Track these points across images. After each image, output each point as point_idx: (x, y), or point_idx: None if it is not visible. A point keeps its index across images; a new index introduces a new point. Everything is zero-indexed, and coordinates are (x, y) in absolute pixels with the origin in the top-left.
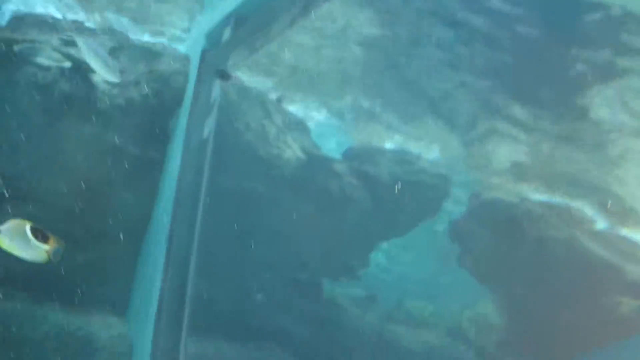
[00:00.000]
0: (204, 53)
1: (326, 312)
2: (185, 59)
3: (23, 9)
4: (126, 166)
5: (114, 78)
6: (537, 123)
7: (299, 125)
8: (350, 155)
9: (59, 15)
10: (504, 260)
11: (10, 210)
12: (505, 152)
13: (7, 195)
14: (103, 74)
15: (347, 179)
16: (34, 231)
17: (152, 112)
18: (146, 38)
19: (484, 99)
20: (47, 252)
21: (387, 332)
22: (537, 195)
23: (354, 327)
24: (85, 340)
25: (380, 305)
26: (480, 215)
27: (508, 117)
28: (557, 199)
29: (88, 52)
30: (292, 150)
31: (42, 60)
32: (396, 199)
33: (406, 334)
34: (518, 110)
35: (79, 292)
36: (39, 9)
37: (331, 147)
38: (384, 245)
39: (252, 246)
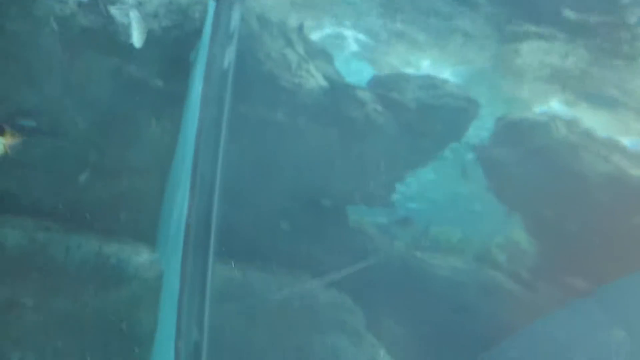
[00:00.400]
0: None
1: (352, 240)
2: None
3: None
4: (149, 99)
5: (138, 44)
6: (576, 33)
7: (321, 54)
8: (375, 82)
9: None
10: (533, 183)
11: (35, 144)
12: (537, 66)
13: (32, 129)
14: (134, 38)
15: (372, 106)
16: None
17: (173, 44)
18: None
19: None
20: (4, 144)
21: (413, 259)
22: (567, 111)
23: (380, 254)
24: (117, 268)
25: (408, 231)
26: (508, 137)
27: (544, 25)
28: (588, 115)
29: (135, 22)
30: (314, 79)
31: None
32: (422, 124)
33: (434, 260)
34: (557, 18)
35: (110, 221)
36: None
37: (355, 75)
38: (411, 171)
39: (276, 175)
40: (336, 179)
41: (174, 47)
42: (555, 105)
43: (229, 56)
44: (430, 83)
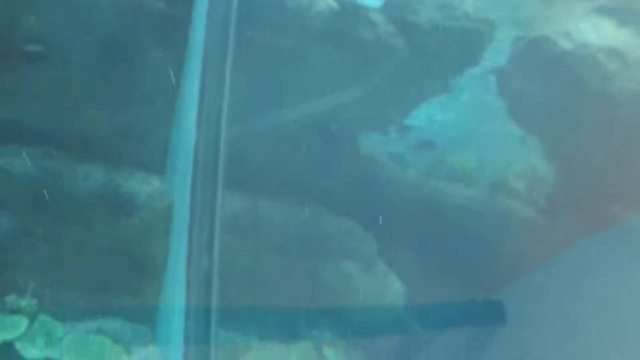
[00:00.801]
0: None
1: (364, 168)
2: None
3: None
4: (152, 24)
5: None
6: None
7: None
8: (387, 3)
9: None
10: (555, 105)
11: (39, 71)
12: None
13: (37, 55)
14: None
15: (384, 28)
16: None
17: None
18: None
19: None
20: None
21: (427, 187)
22: (594, 30)
23: (392, 183)
24: (127, 197)
25: (424, 158)
26: (528, 58)
27: None
28: (617, 33)
29: None
30: (323, 0)
31: None
32: (437, 46)
33: (448, 188)
34: None
35: (118, 151)
36: None
37: None
38: (424, 97)
39: (285, 101)
40: (347, 105)
41: None
42: (581, 24)
43: None
44: (446, 3)
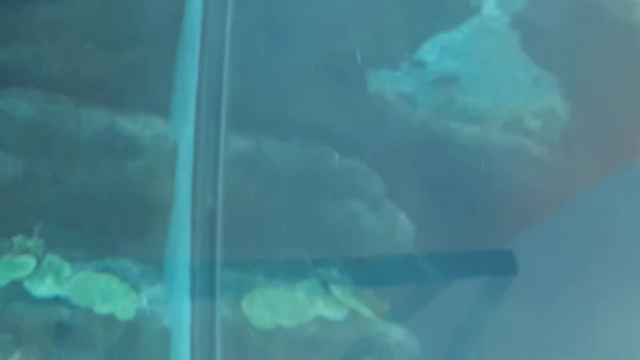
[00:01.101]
0: None
1: (371, 107)
2: None
3: None
4: None
5: None
6: None
7: None
8: None
9: None
10: (573, 41)
11: (38, 12)
12: None
13: None
14: None
15: None
16: None
17: None
18: None
19: None
20: None
21: (437, 126)
22: None
23: (401, 123)
24: (130, 139)
25: (433, 97)
26: None
27: None
28: None
29: None
30: None
31: None
32: None
33: (460, 128)
34: None
35: (121, 94)
36: None
37: None
38: (434, 32)
39: (289, 39)
40: (354, 42)
41: None
42: None
43: None
44: None
